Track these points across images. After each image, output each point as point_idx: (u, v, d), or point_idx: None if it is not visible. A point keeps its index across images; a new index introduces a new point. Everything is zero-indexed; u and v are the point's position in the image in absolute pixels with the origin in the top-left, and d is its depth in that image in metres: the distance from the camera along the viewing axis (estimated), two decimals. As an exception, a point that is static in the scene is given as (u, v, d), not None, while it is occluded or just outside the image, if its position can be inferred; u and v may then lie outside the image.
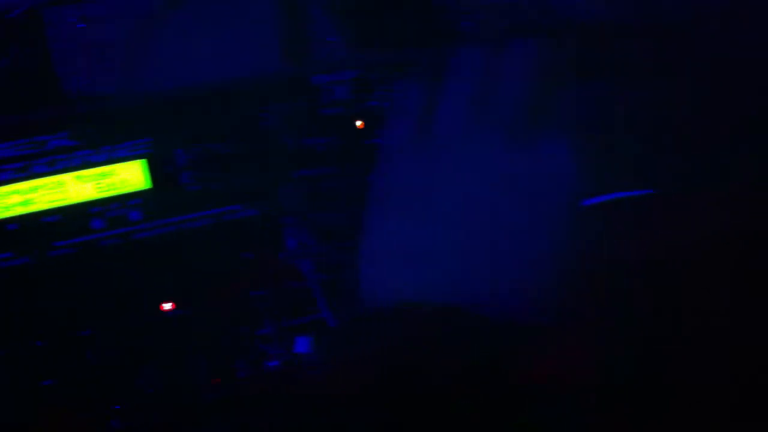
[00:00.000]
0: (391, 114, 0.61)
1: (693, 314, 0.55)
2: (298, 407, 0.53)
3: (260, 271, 0.76)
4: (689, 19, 0.63)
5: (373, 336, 0.55)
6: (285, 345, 0.78)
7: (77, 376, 0.77)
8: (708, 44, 0.62)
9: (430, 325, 0.54)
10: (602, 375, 0.53)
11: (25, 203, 0.73)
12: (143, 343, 0.79)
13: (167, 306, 0.78)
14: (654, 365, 0.55)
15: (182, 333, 0.79)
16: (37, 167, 0.70)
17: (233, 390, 0.73)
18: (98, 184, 0.75)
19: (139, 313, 0.79)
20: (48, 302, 0.76)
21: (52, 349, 0.75)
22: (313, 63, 0.78)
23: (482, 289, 0.56)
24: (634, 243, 0.58)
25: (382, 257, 0.59)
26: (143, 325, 0.79)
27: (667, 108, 0.62)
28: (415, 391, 0.53)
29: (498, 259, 0.56)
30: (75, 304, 0.77)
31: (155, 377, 0.77)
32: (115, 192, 0.75)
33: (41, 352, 0.75)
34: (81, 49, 0.76)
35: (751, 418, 0.53)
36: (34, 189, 0.73)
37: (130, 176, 0.76)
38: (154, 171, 0.76)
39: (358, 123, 0.72)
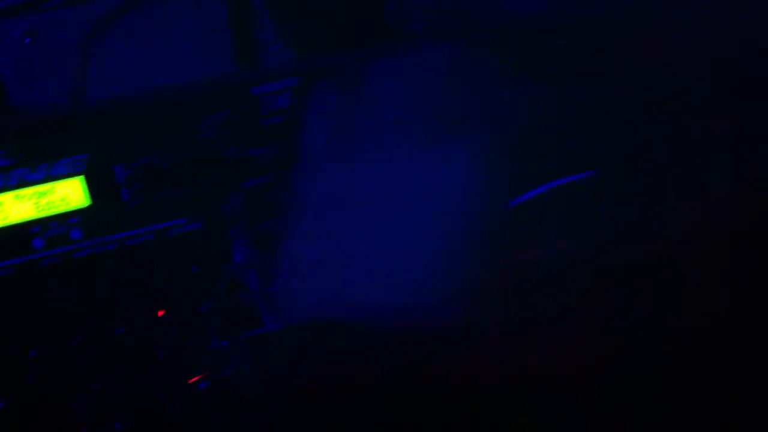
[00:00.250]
0: (306, 122, 0.60)
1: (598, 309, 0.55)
2: (298, 407, 0.53)
3: (207, 284, 0.76)
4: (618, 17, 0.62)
5: (300, 348, 0.55)
6: (222, 361, 0.77)
7: (21, 398, 0.76)
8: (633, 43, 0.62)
9: (343, 337, 0.54)
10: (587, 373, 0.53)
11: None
12: (91, 362, 0.78)
13: (117, 323, 0.78)
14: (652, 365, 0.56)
15: (131, 350, 0.79)
16: None
17: (189, 401, 0.73)
18: (37, 203, 0.75)
19: (87, 332, 0.78)
20: None
21: None
22: (254, 72, 0.77)
23: (392, 299, 0.55)
24: (547, 245, 0.58)
25: (301, 269, 0.58)
26: (91, 344, 0.78)
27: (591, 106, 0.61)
28: (415, 391, 0.53)
29: (411, 266, 0.55)
30: (18, 325, 0.77)
31: (104, 396, 0.77)
32: (55, 211, 0.75)
33: None
34: (19, 62, 0.76)
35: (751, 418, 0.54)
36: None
37: (69, 194, 0.76)
38: (93, 188, 0.75)
39: None
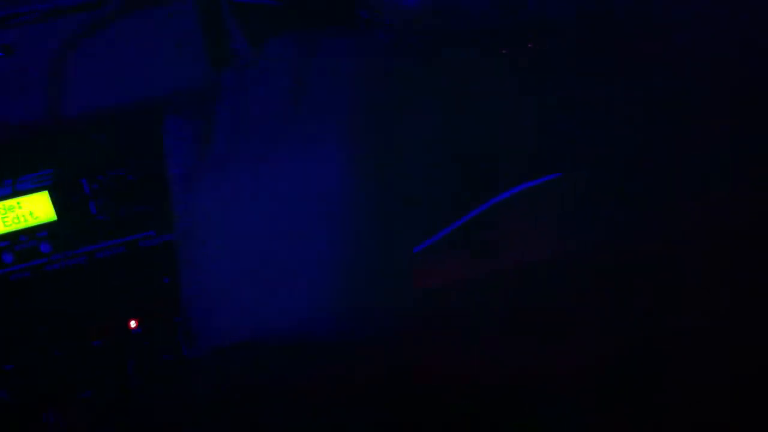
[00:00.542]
0: (173, 143, 0.60)
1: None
2: (298, 407, 0.53)
3: (180, 295, 0.76)
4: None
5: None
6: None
7: None
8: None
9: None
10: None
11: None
12: (66, 374, 0.78)
13: (90, 336, 0.78)
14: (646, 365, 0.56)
15: (104, 362, 0.79)
16: None
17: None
18: (4, 218, 0.75)
19: (60, 345, 0.78)
20: None
21: None
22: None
23: (289, 314, 0.53)
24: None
25: (202, 294, 0.56)
26: (65, 356, 0.78)
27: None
28: (415, 391, 0.53)
29: (294, 281, 0.53)
30: None
31: (78, 408, 0.77)
32: (23, 225, 0.75)
33: None
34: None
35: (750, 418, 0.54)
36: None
37: (35, 208, 0.76)
38: (60, 201, 0.75)
39: None
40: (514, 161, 0.60)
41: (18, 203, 0.73)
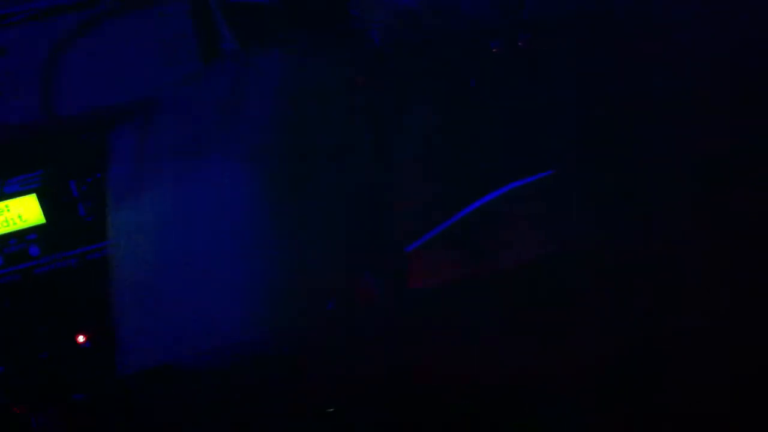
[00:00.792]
0: (115, 154, 0.59)
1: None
2: (297, 407, 0.53)
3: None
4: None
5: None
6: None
7: None
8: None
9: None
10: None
11: None
12: (57, 376, 0.78)
13: (81, 338, 0.78)
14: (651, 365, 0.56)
15: (96, 363, 0.78)
16: None
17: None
18: None
19: (51, 347, 0.78)
20: None
21: None
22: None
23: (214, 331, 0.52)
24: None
25: (130, 312, 0.56)
26: (56, 358, 0.78)
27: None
28: (415, 391, 0.53)
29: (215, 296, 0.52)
30: None
31: (69, 410, 0.77)
32: (11, 228, 0.75)
33: None
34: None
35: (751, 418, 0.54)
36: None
37: (23, 211, 0.76)
38: (48, 204, 0.75)
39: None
40: (510, 161, 0.60)
41: (6, 206, 0.73)
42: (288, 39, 0.63)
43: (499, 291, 0.60)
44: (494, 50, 0.63)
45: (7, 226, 0.73)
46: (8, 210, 0.73)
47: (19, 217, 0.73)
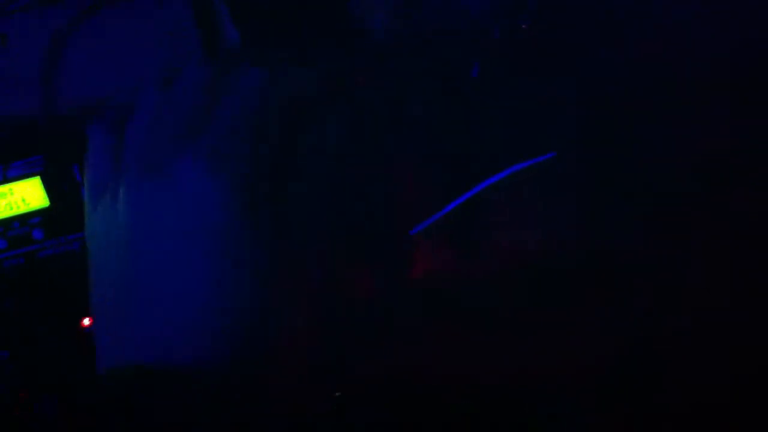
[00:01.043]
0: (91, 151, 0.57)
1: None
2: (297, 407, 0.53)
3: None
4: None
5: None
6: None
7: None
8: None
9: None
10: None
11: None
12: (61, 361, 0.78)
13: (86, 321, 0.78)
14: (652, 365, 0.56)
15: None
16: None
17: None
18: None
19: (55, 331, 0.78)
20: None
21: None
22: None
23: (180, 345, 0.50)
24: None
25: (102, 309, 0.54)
26: (60, 342, 0.78)
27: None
28: (415, 391, 0.53)
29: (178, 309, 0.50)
30: None
31: (73, 395, 0.77)
32: (15, 212, 0.75)
33: None
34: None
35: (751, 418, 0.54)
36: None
37: (27, 195, 0.76)
38: (52, 188, 0.75)
39: None
40: (506, 161, 0.60)
41: (10, 190, 0.73)
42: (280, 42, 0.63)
43: (499, 290, 0.60)
44: (497, 34, 0.63)
45: (11, 209, 0.73)
46: (12, 193, 0.73)
47: (23, 200, 0.74)
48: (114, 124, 0.57)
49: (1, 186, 0.74)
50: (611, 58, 0.63)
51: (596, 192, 0.62)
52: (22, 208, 0.74)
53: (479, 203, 0.59)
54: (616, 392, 0.56)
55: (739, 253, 0.58)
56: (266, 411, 0.49)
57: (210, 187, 0.50)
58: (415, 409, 0.54)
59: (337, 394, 0.52)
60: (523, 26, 0.63)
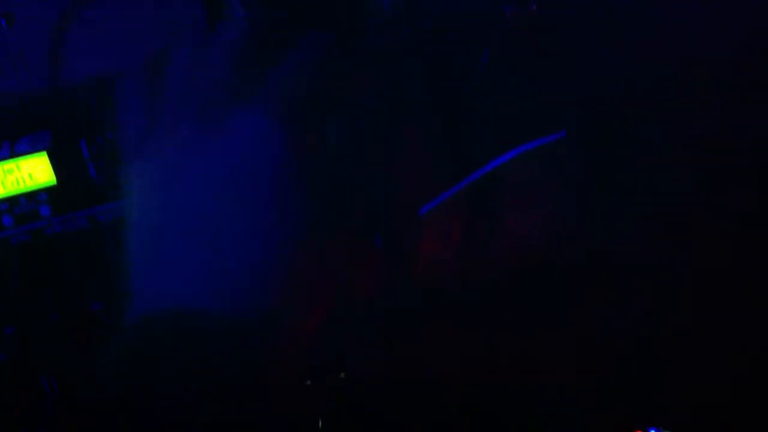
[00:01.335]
0: (123, 110, 0.58)
1: None
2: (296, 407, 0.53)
3: None
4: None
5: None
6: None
7: None
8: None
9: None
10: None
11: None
12: (67, 338, 0.78)
13: (94, 303, 0.78)
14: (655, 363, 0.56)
15: (107, 325, 0.78)
16: None
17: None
18: (3, 180, 0.74)
19: (61, 308, 0.77)
20: None
21: None
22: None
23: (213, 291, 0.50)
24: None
25: (143, 262, 0.55)
26: (66, 320, 0.78)
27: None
28: (415, 391, 0.53)
29: (225, 257, 0.50)
30: None
31: (88, 377, 0.76)
32: (22, 188, 0.74)
33: None
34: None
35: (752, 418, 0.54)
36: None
37: (34, 171, 0.75)
38: (59, 164, 0.74)
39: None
40: (521, 130, 0.60)
41: (17, 165, 0.73)
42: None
43: (499, 290, 0.60)
44: (507, 15, 0.63)
45: (18, 185, 0.73)
46: (19, 169, 0.73)
47: (30, 176, 0.73)
48: (143, 82, 0.57)
49: (9, 162, 0.73)
50: (611, 58, 0.63)
51: (596, 192, 0.62)
52: (29, 184, 0.73)
53: (485, 190, 0.59)
54: (616, 392, 0.56)
55: (739, 253, 0.58)
56: (266, 411, 0.49)
57: (265, 134, 0.50)
58: (415, 409, 0.54)
59: (341, 375, 0.52)
60: (533, 8, 0.63)
